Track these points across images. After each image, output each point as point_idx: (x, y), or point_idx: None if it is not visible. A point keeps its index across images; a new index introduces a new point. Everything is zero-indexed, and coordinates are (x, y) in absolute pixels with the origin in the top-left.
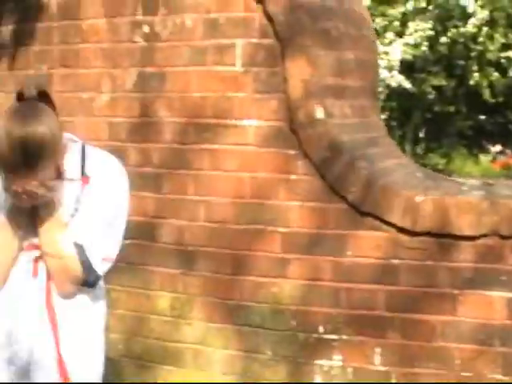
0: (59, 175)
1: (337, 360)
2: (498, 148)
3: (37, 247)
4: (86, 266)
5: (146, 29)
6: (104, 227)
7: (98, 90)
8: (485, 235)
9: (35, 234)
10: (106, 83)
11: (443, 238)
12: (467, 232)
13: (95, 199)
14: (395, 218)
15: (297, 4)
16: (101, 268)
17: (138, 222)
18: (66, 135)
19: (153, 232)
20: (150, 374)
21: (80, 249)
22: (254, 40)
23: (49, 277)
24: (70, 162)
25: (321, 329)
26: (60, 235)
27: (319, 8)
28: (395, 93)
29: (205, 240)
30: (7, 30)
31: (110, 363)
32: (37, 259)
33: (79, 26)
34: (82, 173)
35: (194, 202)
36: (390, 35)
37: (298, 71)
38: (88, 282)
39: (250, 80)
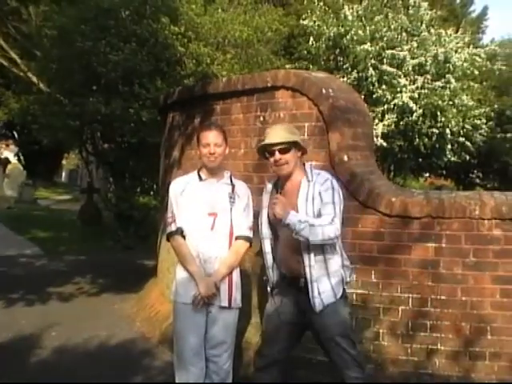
0: None
1: (353, 278)
2: (427, 174)
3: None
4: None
5: (261, 118)
6: (246, 212)
7: (239, 148)
8: (424, 217)
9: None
10: (242, 144)
11: (405, 218)
12: (416, 215)
13: (242, 199)
14: (382, 209)
15: (334, 105)
16: (250, 232)
17: (256, 210)
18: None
19: None
20: None
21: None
22: (313, 123)
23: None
24: (226, 177)
25: None
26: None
27: (345, 107)
28: (379, 149)
29: None
30: (197, 121)
31: None
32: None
33: (230, 118)
34: (231, 182)
35: None
36: (376, 121)
37: (334, 138)
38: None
39: (312, 142)
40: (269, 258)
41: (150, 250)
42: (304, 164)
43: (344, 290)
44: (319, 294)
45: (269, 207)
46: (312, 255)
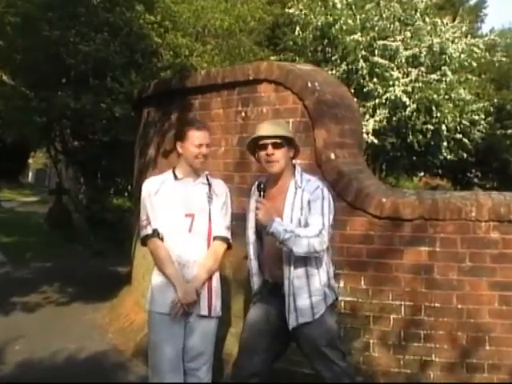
0: None
1: (341, 284)
2: (422, 174)
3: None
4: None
5: (243, 114)
6: (224, 211)
7: (219, 145)
8: (417, 218)
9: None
10: (223, 142)
11: (396, 220)
12: (408, 217)
13: (219, 198)
14: (371, 210)
15: (320, 100)
16: (228, 233)
17: (239, 214)
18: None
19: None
20: None
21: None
22: (298, 119)
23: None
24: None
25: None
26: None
27: (331, 102)
28: (370, 146)
29: None
30: (174, 117)
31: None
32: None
33: (209, 113)
34: (208, 181)
35: None
36: (367, 116)
37: (320, 135)
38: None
39: (297, 139)
40: (253, 264)
41: (123, 255)
42: (294, 167)
43: (329, 305)
44: (295, 310)
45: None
46: (293, 268)
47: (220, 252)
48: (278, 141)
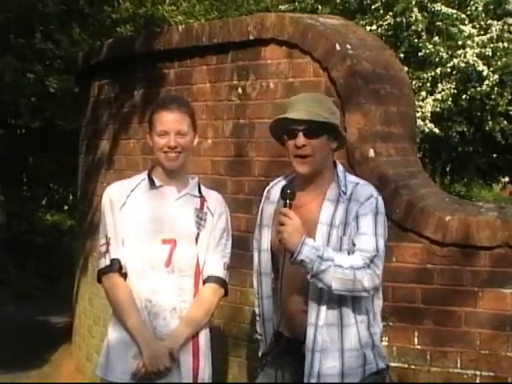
0: None
1: (384, 341)
2: (506, 179)
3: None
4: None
5: (239, 90)
6: (223, 241)
7: (204, 136)
8: (498, 246)
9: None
10: (210, 131)
11: (466, 248)
12: (485, 243)
13: (216, 220)
14: (429, 233)
15: (353, 70)
16: (227, 273)
17: (233, 236)
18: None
19: (245, 243)
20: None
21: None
22: None
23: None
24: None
25: None
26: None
27: (371, 73)
28: (427, 137)
29: None
30: (138, 93)
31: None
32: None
33: (190, 89)
34: (200, 193)
35: None
36: (423, 93)
37: (354, 121)
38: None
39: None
40: (266, 308)
41: (60, 298)
42: (335, 164)
43: (369, 375)
44: (319, 374)
45: (273, 227)
46: (323, 311)
47: (214, 300)
48: (314, 127)
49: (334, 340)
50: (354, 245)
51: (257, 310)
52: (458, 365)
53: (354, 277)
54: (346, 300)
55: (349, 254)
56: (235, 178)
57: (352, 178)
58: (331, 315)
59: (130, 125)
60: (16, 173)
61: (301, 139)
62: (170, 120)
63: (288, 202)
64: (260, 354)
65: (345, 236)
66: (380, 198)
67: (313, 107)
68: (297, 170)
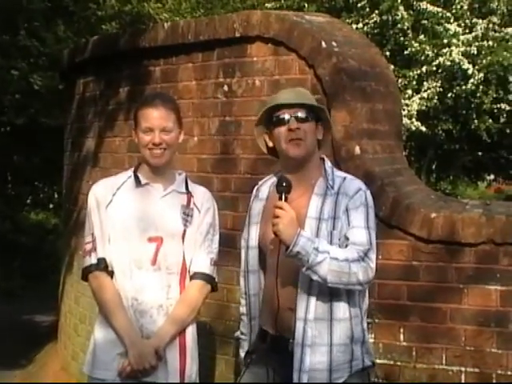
0: None
1: (370, 338)
2: (492, 177)
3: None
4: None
5: (225, 88)
6: (209, 238)
7: (190, 134)
8: (483, 242)
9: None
10: (196, 129)
11: (451, 245)
12: (470, 240)
13: (202, 216)
14: (415, 230)
15: (339, 68)
16: (214, 270)
17: (220, 233)
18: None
19: (232, 241)
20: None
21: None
22: None
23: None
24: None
25: None
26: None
27: (357, 71)
28: (413, 135)
29: None
30: (123, 91)
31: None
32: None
33: (176, 86)
34: (187, 189)
35: None
36: (409, 91)
37: (340, 119)
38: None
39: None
40: (253, 304)
41: (45, 297)
42: (321, 158)
43: (355, 372)
44: (305, 369)
45: (261, 223)
46: (313, 305)
47: (200, 297)
48: (303, 114)
49: (323, 334)
50: (346, 238)
51: (242, 309)
52: (444, 361)
53: (350, 269)
54: (338, 294)
55: (340, 247)
56: (221, 176)
57: (339, 173)
58: (321, 309)
59: (115, 122)
60: (0, 171)
61: (294, 122)
62: (154, 116)
63: (284, 194)
64: (243, 353)
65: (335, 230)
66: (368, 192)
67: (298, 96)
68: (290, 155)
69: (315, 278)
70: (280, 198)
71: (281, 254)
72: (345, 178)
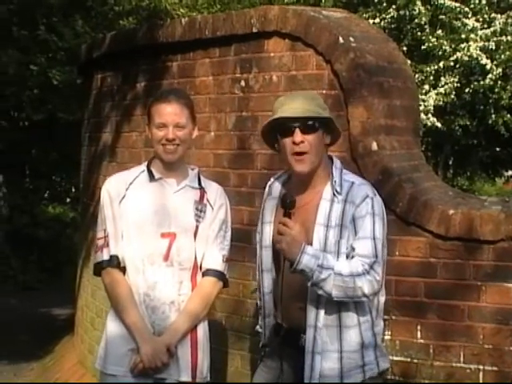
0: None
1: (387, 335)
2: (510, 173)
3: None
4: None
5: (242, 83)
6: (221, 234)
7: (207, 129)
8: (502, 240)
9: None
10: (213, 124)
11: (469, 242)
12: (488, 237)
13: (215, 213)
14: (432, 227)
15: (356, 63)
16: (225, 266)
17: (236, 229)
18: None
19: (247, 236)
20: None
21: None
22: (324, 91)
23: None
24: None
25: None
26: None
27: (374, 66)
28: (430, 131)
29: None
30: (140, 86)
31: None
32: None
33: (193, 82)
34: (199, 184)
35: None
36: (426, 87)
37: (357, 115)
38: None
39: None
40: (267, 301)
41: (62, 291)
42: (331, 160)
43: (369, 378)
44: (319, 376)
45: (275, 223)
46: (322, 311)
47: (212, 293)
48: (309, 123)
49: (333, 341)
50: (353, 249)
51: (259, 303)
52: (461, 359)
53: (354, 284)
54: (346, 302)
55: (347, 257)
56: (238, 171)
57: (348, 177)
58: (330, 317)
59: (132, 117)
60: (18, 165)
61: (298, 135)
62: (168, 112)
63: (288, 210)
64: (260, 346)
65: (342, 239)
66: (376, 198)
67: (305, 104)
68: (295, 170)
69: (320, 292)
70: (284, 215)
71: (286, 267)
72: (353, 183)
